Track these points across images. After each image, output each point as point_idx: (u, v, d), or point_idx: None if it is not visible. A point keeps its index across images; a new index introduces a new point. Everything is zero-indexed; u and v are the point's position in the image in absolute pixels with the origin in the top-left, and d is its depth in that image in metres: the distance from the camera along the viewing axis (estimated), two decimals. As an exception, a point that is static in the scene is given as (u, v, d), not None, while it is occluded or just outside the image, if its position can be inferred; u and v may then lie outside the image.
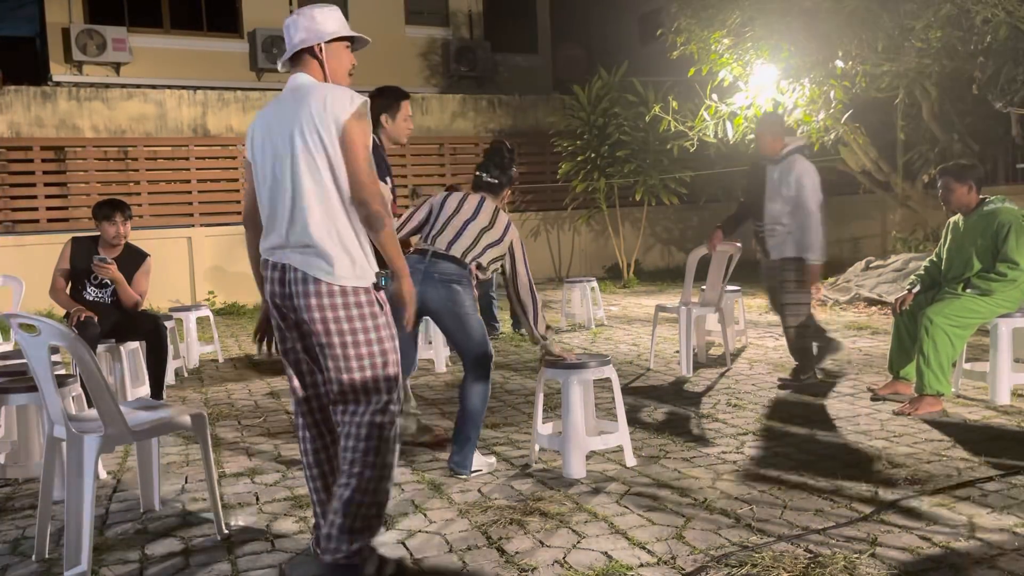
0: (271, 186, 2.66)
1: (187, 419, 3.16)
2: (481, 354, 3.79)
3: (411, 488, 3.65)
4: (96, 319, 4.97)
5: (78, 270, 5.13)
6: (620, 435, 3.86)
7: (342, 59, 2.81)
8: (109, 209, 5.14)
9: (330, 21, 2.77)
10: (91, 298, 5.15)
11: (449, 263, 3.77)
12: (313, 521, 2.92)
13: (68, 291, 5.15)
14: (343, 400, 2.63)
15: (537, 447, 3.97)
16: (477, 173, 4.07)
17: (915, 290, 4.87)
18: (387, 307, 2.68)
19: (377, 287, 2.64)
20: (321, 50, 2.74)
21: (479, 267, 3.85)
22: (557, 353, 3.88)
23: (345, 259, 2.59)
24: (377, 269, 2.66)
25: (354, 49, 2.86)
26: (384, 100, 4.08)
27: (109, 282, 5.14)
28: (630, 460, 3.85)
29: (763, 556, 2.76)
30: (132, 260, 5.22)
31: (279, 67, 2.88)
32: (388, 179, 4.11)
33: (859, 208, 12.94)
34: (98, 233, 5.20)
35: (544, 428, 3.96)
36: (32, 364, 2.98)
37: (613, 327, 8.46)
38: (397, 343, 2.69)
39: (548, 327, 3.93)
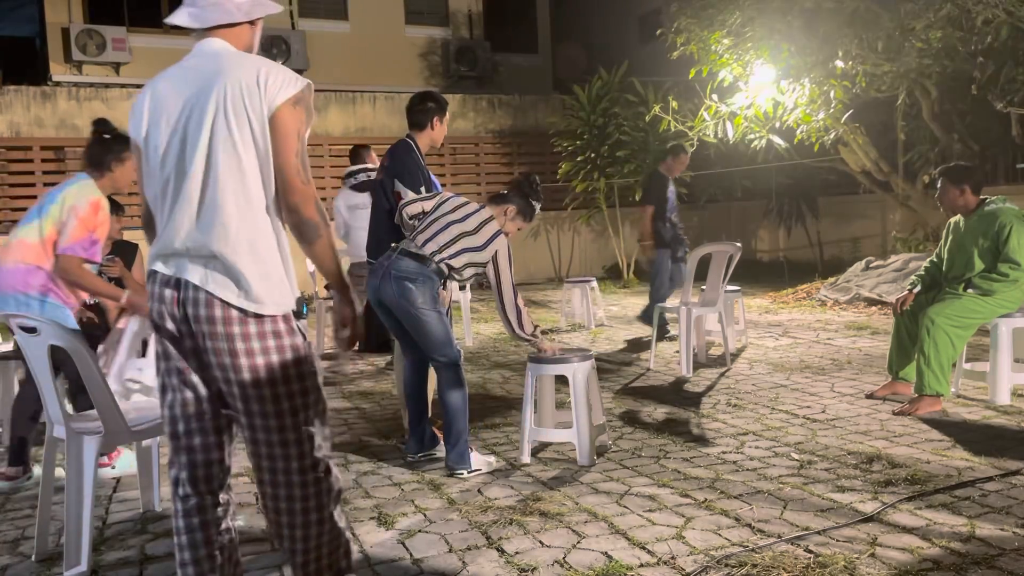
0: (171, 175, 2.10)
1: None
2: (441, 355, 3.78)
3: (411, 488, 3.65)
4: (97, 321, 4.95)
5: None
6: (572, 433, 3.91)
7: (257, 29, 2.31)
8: (112, 207, 5.14)
9: None
10: (90, 300, 5.12)
11: (410, 260, 3.73)
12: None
13: None
14: (266, 455, 2.12)
15: (528, 442, 4.01)
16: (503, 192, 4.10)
17: (916, 290, 4.87)
18: (308, 339, 2.19)
19: (297, 315, 2.15)
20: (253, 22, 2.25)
21: (451, 269, 3.80)
22: (543, 348, 3.97)
23: (261, 278, 2.07)
24: (298, 293, 2.18)
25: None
26: (438, 105, 4.27)
27: (109, 279, 5.13)
28: (581, 459, 3.88)
29: (763, 556, 2.76)
30: (126, 253, 5.22)
31: (177, 18, 2.23)
32: (422, 190, 4.14)
33: (859, 208, 12.94)
34: None
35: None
36: (32, 364, 2.98)
37: (613, 327, 8.46)
38: (320, 380, 2.19)
39: (537, 326, 3.96)
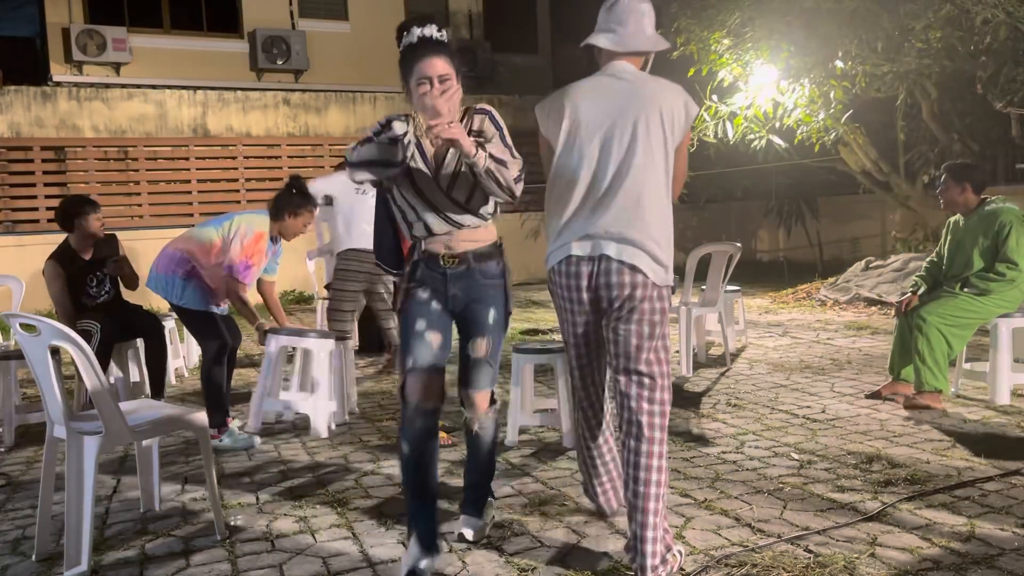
0: (593, 175, 2.69)
1: (187, 419, 3.16)
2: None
3: (411, 488, 3.64)
4: (98, 325, 4.93)
5: (73, 283, 5.04)
6: (555, 417, 4.30)
7: None
8: (88, 205, 5.04)
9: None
10: (93, 305, 5.08)
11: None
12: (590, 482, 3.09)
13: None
14: (637, 382, 2.69)
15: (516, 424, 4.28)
16: None
17: (920, 291, 4.87)
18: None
19: (673, 290, 2.74)
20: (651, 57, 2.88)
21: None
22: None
23: (661, 257, 2.66)
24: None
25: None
26: None
27: (103, 276, 5.11)
28: (566, 439, 4.19)
29: (763, 556, 2.76)
30: (111, 248, 5.20)
31: (600, 40, 2.85)
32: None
33: (859, 208, 12.94)
34: (64, 238, 5.06)
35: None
36: (32, 364, 2.98)
37: (613, 327, 8.45)
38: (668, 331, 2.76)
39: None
